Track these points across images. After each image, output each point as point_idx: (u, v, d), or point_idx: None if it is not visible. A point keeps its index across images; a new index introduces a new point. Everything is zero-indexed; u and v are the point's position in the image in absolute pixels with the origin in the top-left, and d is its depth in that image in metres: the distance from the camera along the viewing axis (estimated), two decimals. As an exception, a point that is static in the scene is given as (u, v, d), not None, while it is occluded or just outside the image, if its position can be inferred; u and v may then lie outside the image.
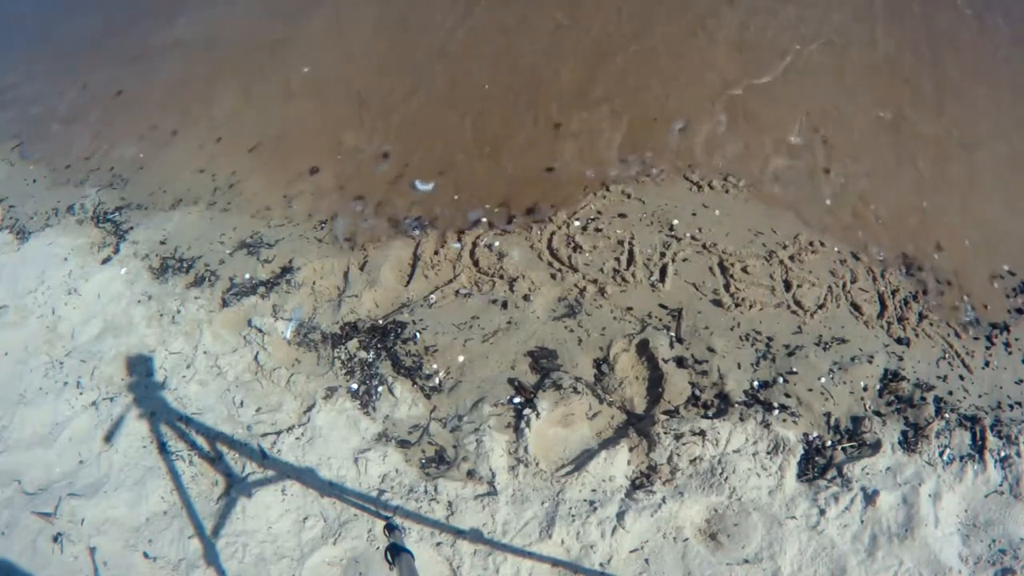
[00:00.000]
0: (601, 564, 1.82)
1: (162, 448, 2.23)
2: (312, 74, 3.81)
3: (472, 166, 3.04)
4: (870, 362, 2.14)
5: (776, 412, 2.04)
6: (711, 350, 2.20)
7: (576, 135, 3.07)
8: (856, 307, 2.31)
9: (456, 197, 2.90)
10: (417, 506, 1.96)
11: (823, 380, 2.11)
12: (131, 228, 3.09)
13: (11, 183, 3.62)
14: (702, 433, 1.99)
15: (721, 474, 1.93)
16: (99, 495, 2.12)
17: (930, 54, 3.25)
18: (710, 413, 2.07)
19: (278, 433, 2.19)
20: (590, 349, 2.27)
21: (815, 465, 1.96)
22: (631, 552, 1.84)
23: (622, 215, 2.68)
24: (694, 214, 2.64)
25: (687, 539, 1.85)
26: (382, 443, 2.13)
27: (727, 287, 2.39)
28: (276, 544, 1.96)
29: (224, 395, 2.34)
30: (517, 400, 2.17)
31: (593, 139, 3.03)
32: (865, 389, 2.09)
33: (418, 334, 2.39)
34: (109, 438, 2.28)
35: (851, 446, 1.98)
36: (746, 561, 1.80)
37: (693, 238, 2.55)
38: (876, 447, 1.95)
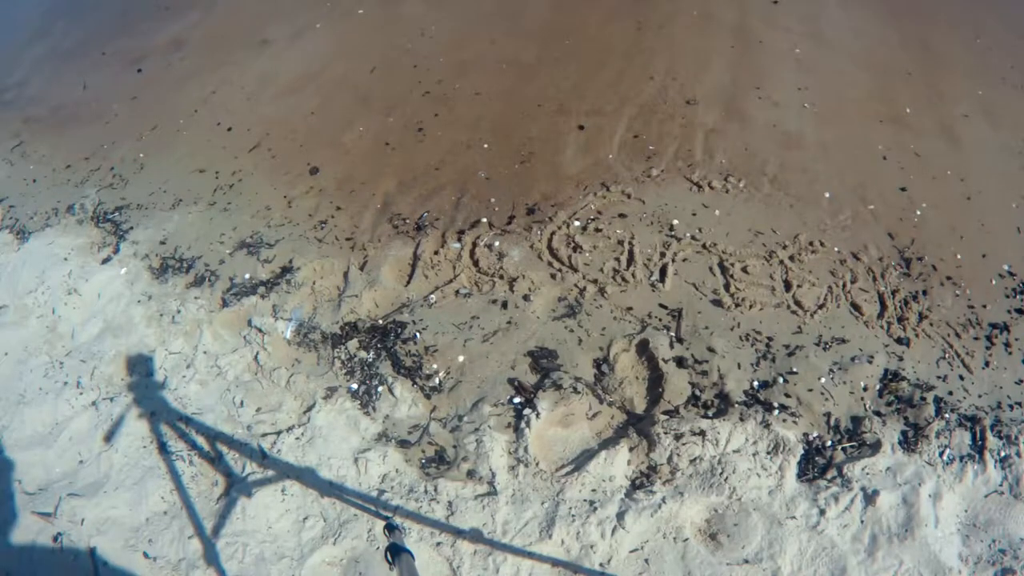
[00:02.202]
0: (601, 564, 1.82)
1: (162, 448, 2.23)
2: (316, 71, 3.81)
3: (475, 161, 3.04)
4: (870, 362, 2.13)
5: (776, 412, 2.04)
6: (711, 350, 2.20)
7: (580, 133, 3.07)
8: (856, 307, 2.31)
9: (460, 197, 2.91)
10: (417, 506, 1.96)
11: (823, 380, 2.11)
12: (131, 228, 3.09)
13: (11, 183, 3.62)
14: (702, 433, 1.99)
15: (721, 474, 1.93)
16: (99, 495, 2.12)
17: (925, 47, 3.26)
18: (710, 413, 2.07)
19: (278, 433, 2.19)
20: (590, 349, 2.27)
21: (815, 465, 1.96)
22: (631, 552, 1.84)
23: (622, 215, 2.67)
24: (694, 214, 2.64)
25: (687, 539, 1.85)
26: (382, 443, 2.13)
27: (727, 287, 2.39)
28: (276, 544, 1.96)
29: (224, 395, 2.34)
30: (517, 400, 2.17)
31: (595, 138, 3.03)
32: (865, 389, 2.09)
33: (418, 334, 2.39)
34: (109, 438, 2.28)
35: (851, 446, 1.98)
36: (746, 561, 1.80)
37: (693, 238, 2.55)
38: (876, 447, 1.95)
